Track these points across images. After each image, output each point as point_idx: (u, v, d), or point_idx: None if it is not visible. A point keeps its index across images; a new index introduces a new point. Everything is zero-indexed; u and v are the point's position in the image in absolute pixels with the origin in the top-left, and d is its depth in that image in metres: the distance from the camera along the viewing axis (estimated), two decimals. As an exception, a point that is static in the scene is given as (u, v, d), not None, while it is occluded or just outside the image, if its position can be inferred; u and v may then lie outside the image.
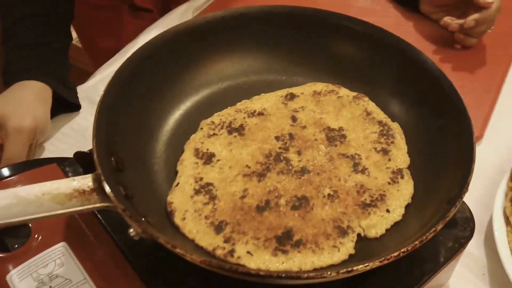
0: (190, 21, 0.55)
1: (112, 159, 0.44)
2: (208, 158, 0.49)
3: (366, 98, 0.55)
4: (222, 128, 0.52)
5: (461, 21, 0.73)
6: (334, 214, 0.45)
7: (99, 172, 0.40)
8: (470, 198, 0.58)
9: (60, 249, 0.46)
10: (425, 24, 0.79)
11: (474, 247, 0.58)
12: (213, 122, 0.52)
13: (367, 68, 0.56)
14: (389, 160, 0.50)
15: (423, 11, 0.80)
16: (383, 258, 0.37)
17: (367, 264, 0.36)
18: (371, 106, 0.54)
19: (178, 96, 0.54)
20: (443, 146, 0.49)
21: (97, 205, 0.40)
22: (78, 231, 0.47)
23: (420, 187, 0.48)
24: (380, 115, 0.54)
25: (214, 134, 0.51)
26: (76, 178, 0.41)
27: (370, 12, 0.79)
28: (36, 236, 0.47)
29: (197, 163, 0.49)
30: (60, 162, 0.52)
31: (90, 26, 0.93)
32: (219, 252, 0.42)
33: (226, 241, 0.43)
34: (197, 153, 0.50)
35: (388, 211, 0.46)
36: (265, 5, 0.57)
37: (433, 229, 0.39)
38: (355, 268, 0.36)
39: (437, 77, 0.51)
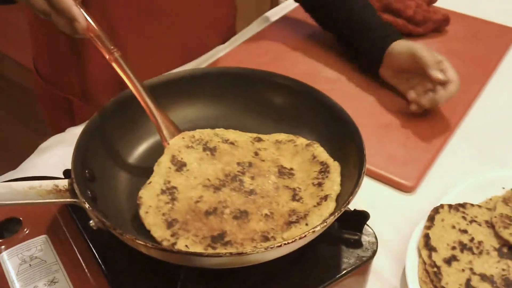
0: (165, 75, 0.71)
1: (86, 171, 0.59)
2: (180, 166, 0.62)
3: (316, 145, 0.66)
4: (199, 144, 0.64)
5: (419, 100, 0.81)
6: (264, 228, 0.56)
7: (73, 177, 0.54)
8: (399, 238, 0.68)
9: (42, 239, 0.60)
10: (383, 91, 0.90)
11: (393, 277, 0.67)
12: (193, 136, 0.65)
13: (301, 116, 0.70)
14: (322, 190, 0.60)
15: (382, 74, 0.89)
16: (268, 247, 0.48)
17: (255, 250, 0.48)
18: (318, 150, 0.66)
19: (148, 132, 0.68)
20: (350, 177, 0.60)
21: (68, 200, 0.54)
22: (57, 227, 0.61)
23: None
24: (323, 157, 0.65)
25: (191, 146, 0.64)
26: (56, 181, 0.55)
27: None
28: (25, 229, 0.61)
29: (170, 168, 0.61)
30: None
31: None
32: (165, 243, 0.53)
33: (172, 235, 0.54)
34: (173, 159, 0.62)
35: (306, 224, 0.56)
36: (225, 67, 0.74)
37: (318, 225, 0.50)
38: (244, 251, 0.48)
39: (349, 125, 0.64)
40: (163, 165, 0.62)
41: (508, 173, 0.75)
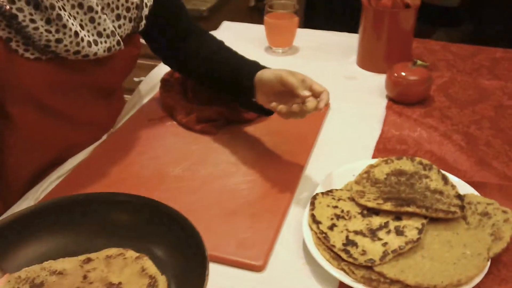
0: (7, 216, 0.72)
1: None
2: None
3: (146, 258, 0.70)
4: (26, 283, 0.64)
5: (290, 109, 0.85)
6: None
7: None
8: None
9: None
10: (226, 179, 0.93)
11: None
12: (20, 277, 0.64)
13: (148, 229, 0.73)
14: None
15: (259, 101, 0.94)
16: None
17: None
18: (148, 264, 0.69)
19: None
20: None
21: None
22: None
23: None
24: (152, 270, 0.68)
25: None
26: None
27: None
28: None
29: None
30: None
31: None
32: None
33: None
34: None
35: None
36: (70, 195, 0.77)
37: None
38: None
39: (188, 226, 0.68)
40: None
41: (355, 165, 0.91)
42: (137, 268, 0.68)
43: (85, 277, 0.67)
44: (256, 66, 0.97)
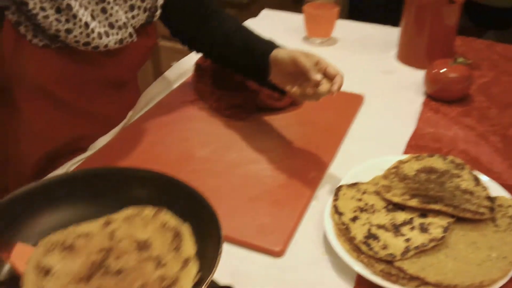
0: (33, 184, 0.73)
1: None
2: (46, 271, 0.62)
3: (163, 212, 0.71)
4: (56, 246, 0.66)
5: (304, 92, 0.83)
6: None
7: None
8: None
9: None
10: (250, 165, 0.93)
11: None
12: (48, 241, 0.66)
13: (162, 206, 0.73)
14: (181, 254, 0.65)
15: (273, 80, 0.93)
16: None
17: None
18: (167, 217, 0.71)
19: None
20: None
21: None
22: None
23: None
24: (173, 222, 0.70)
25: (50, 250, 0.65)
26: None
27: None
28: None
29: (37, 276, 0.61)
30: None
31: None
32: None
33: None
34: (37, 268, 0.62)
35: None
36: (91, 168, 0.79)
37: None
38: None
39: (205, 205, 0.68)
40: (29, 276, 0.62)
41: (385, 159, 0.89)
42: (158, 224, 0.69)
43: (111, 236, 0.68)
44: (271, 45, 0.95)
